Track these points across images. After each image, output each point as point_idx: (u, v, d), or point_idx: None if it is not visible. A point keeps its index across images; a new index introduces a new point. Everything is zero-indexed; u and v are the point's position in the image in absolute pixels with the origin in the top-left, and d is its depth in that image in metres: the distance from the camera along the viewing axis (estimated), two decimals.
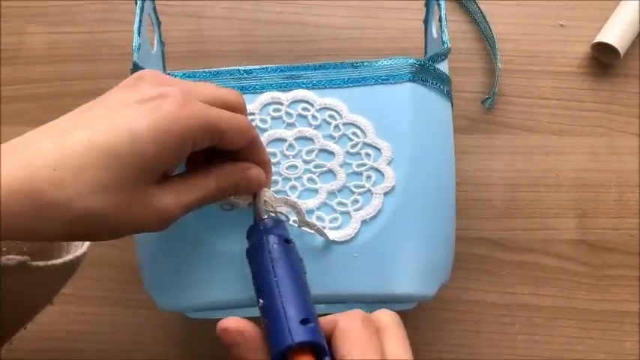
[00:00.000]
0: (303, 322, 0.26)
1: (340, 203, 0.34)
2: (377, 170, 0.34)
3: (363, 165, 0.34)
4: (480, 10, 0.49)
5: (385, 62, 0.34)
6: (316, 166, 0.34)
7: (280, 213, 0.33)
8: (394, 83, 0.35)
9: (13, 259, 0.29)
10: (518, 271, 0.46)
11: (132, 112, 0.26)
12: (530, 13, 0.50)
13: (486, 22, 0.48)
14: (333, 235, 0.33)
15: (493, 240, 0.46)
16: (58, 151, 0.25)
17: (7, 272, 0.29)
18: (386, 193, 0.34)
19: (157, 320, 0.45)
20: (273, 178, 0.34)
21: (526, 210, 0.47)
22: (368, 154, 0.34)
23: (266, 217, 0.31)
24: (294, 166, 0.34)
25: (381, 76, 0.35)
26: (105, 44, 0.50)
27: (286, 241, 0.30)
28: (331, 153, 0.34)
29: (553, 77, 0.49)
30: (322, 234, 0.33)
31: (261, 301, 0.27)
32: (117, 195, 0.25)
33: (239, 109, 0.31)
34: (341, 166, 0.34)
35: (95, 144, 0.25)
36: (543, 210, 0.47)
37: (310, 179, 0.34)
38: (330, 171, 0.34)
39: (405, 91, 0.35)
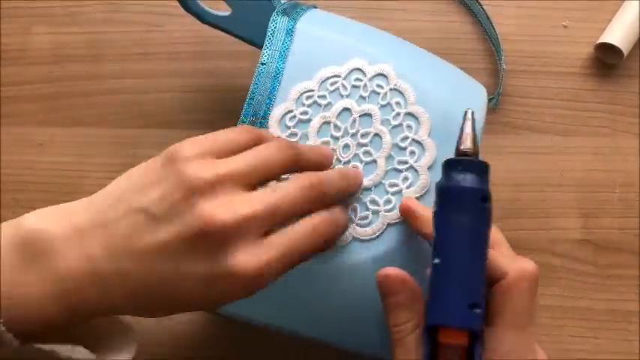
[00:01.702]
0: (472, 306, 0.24)
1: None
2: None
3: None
4: (484, 10, 0.49)
5: None
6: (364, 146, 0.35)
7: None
8: None
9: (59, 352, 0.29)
10: None
11: (203, 289, 0.26)
12: (533, 14, 0.50)
13: (490, 22, 0.49)
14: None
15: None
16: (132, 294, 0.27)
17: None
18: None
19: (163, 321, 0.45)
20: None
21: (531, 210, 0.47)
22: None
23: (471, 148, 0.26)
24: (348, 146, 0.34)
25: None
26: (110, 45, 0.49)
27: (484, 199, 0.25)
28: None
29: (557, 78, 0.49)
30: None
31: (437, 259, 0.25)
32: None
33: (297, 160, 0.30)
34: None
35: (163, 299, 0.27)
36: (548, 210, 0.47)
37: (367, 153, 0.34)
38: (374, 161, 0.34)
39: None
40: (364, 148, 0.34)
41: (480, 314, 0.24)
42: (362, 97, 0.35)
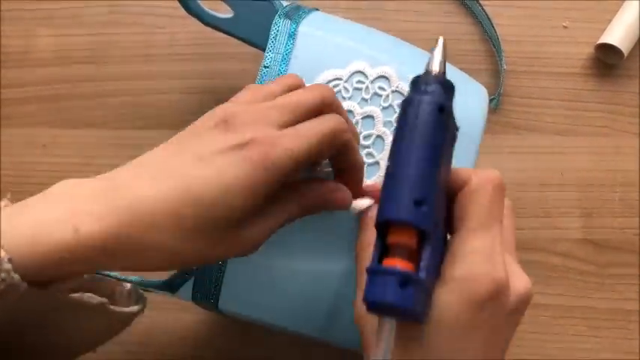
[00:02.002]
0: (418, 202, 0.24)
1: None
2: None
3: None
4: (484, 11, 0.49)
5: None
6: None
7: None
8: None
9: (94, 297, 0.30)
10: (526, 270, 0.45)
11: (222, 162, 0.26)
12: (534, 15, 0.50)
13: (491, 23, 0.49)
14: None
15: None
16: (155, 197, 0.26)
17: (85, 309, 0.29)
18: None
19: (167, 321, 0.45)
20: None
21: (532, 209, 0.47)
22: None
23: (437, 71, 0.27)
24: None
25: None
26: (112, 47, 0.50)
27: (441, 109, 0.26)
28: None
29: (557, 78, 0.49)
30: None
31: (388, 162, 0.26)
32: (207, 239, 0.27)
33: (328, 103, 0.30)
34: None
35: (190, 194, 0.26)
36: (549, 209, 0.47)
37: (369, 155, 0.35)
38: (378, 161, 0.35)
39: None
40: (367, 149, 0.35)
41: (427, 212, 0.24)
42: (364, 100, 0.35)
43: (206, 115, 0.29)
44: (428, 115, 0.25)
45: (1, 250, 0.24)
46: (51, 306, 0.28)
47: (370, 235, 0.28)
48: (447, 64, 0.39)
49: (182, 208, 0.26)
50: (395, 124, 0.34)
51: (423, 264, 0.24)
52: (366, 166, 0.34)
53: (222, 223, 0.27)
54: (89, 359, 0.35)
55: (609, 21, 0.49)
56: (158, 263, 0.27)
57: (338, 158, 0.31)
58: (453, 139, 0.27)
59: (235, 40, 0.40)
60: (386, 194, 0.25)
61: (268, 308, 0.35)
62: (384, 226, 0.25)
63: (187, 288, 0.35)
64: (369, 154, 0.35)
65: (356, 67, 0.35)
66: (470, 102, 0.36)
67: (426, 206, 0.24)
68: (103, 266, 0.27)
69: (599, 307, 0.46)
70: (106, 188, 0.26)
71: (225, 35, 0.40)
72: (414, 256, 0.24)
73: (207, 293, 0.35)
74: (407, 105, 0.26)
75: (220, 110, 0.29)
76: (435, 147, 0.25)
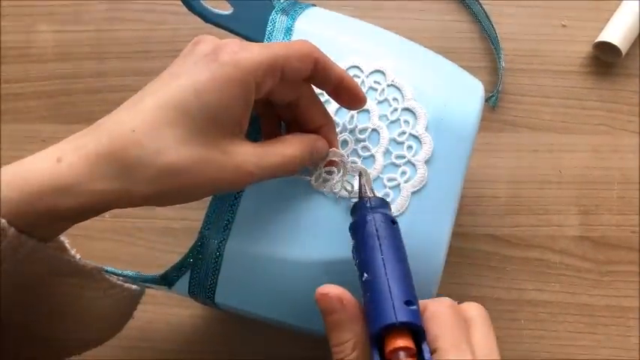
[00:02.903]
0: (407, 303, 0.26)
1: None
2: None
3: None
4: (483, 10, 0.49)
5: None
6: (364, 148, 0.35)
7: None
8: None
9: (89, 263, 0.30)
10: (523, 267, 0.46)
11: (193, 68, 0.28)
12: (532, 14, 0.50)
13: (490, 21, 0.49)
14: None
15: (498, 236, 0.47)
16: (133, 115, 0.27)
17: (83, 277, 0.30)
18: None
19: (165, 317, 0.45)
20: None
21: (530, 207, 0.47)
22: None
23: (372, 195, 0.31)
24: (346, 141, 0.35)
25: None
26: (113, 42, 0.50)
27: (392, 222, 0.29)
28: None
29: (556, 76, 0.49)
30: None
31: (365, 275, 0.27)
32: (193, 147, 0.27)
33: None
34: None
35: (165, 103, 0.27)
36: (547, 207, 0.47)
37: (364, 148, 0.35)
38: (372, 156, 0.35)
39: None
40: (362, 143, 0.35)
41: (417, 310, 0.26)
42: (377, 100, 0.35)
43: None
44: (388, 227, 0.29)
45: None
46: (48, 269, 0.28)
47: (341, 336, 0.27)
48: (444, 58, 0.39)
49: (161, 119, 0.26)
50: (390, 118, 0.34)
51: (427, 357, 0.25)
52: (361, 159, 0.35)
53: (204, 126, 0.27)
54: (88, 356, 0.35)
55: (608, 19, 0.49)
56: (150, 185, 0.26)
57: (320, 78, 0.31)
58: (404, 246, 0.30)
59: (237, 37, 0.40)
60: (375, 304, 0.26)
61: (265, 302, 0.35)
62: (377, 338, 0.26)
63: (184, 282, 0.35)
64: (365, 148, 0.35)
65: (352, 62, 0.36)
66: (465, 96, 0.37)
67: (415, 305, 0.26)
68: (95, 198, 0.26)
69: (597, 304, 0.46)
70: (90, 127, 0.27)
71: (225, 32, 0.40)
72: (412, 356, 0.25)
73: (203, 287, 0.35)
74: (362, 222, 0.29)
75: (195, 39, 0.30)
76: (402, 252, 0.28)
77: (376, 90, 0.35)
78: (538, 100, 0.49)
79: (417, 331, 0.26)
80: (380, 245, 0.28)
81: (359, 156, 0.35)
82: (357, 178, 0.32)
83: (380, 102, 0.35)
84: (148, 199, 0.27)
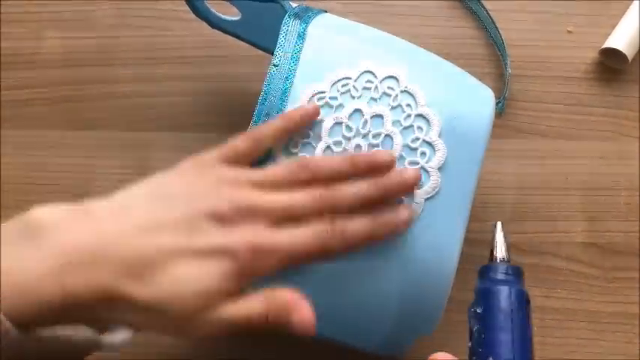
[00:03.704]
0: None
1: None
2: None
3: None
4: (489, 16, 0.49)
5: None
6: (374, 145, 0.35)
7: None
8: None
9: (81, 330, 0.29)
10: (530, 274, 0.46)
11: (198, 270, 0.28)
12: (539, 20, 0.51)
13: (496, 28, 0.49)
14: None
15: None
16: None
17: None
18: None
19: None
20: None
21: (537, 213, 0.47)
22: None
23: (507, 256, 0.29)
24: (359, 146, 0.35)
25: None
26: (119, 49, 0.50)
27: (527, 301, 0.27)
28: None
29: (562, 82, 0.50)
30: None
31: (490, 358, 0.26)
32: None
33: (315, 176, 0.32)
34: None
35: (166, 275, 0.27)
36: (553, 213, 0.47)
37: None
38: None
39: None
40: (375, 148, 0.35)
41: None
42: (373, 99, 0.35)
43: (204, 184, 0.30)
44: (523, 308, 0.27)
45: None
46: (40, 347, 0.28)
47: None
48: (453, 65, 0.39)
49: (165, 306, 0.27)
50: (403, 124, 0.34)
51: None
52: None
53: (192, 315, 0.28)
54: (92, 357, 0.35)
55: (614, 26, 0.50)
56: (134, 316, 0.28)
57: None
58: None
59: (243, 44, 0.40)
60: None
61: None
62: None
63: None
64: None
65: (365, 67, 0.36)
66: (477, 104, 0.37)
67: None
68: (87, 319, 0.27)
69: (603, 310, 0.46)
70: (93, 241, 0.27)
71: (232, 38, 0.40)
72: None
73: None
74: (497, 296, 0.27)
75: (218, 196, 0.30)
76: (531, 339, 0.27)
77: (390, 96, 0.35)
78: (544, 106, 0.49)
79: None
80: (512, 329, 0.26)
81: None
82: (493, 229, 0.31)
83: (393, 108, 0.35)
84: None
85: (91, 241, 0.27)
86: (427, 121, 0.35)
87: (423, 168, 0.34)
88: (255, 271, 0.29)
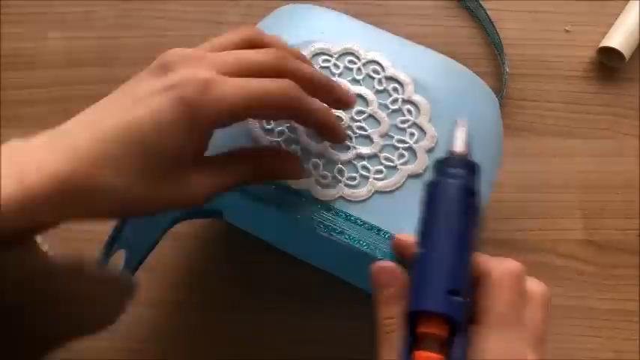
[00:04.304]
0: (452, 292, 0.24)
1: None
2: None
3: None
4: (487, 15, 0.50)
5: None
6: (359, 128, 0.35)
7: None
8: None
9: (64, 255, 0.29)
10: (529, 271, 0.46)
11: (156, 102, 0.27)
12: (536, 19, 0.51)
13: (494, 27, 0.49)
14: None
15: (502, 240, 0.47)
16: (96, 143, 0.26)
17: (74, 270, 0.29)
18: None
19: (174, 320, 0.46)
20: None
21: (535, 211, 0.47)
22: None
23: (461, 151, 0.27)
24: (339, 117, 0.35)
25: None
26: (121, 49, 0.51)
27: (471, 193, 0.26)
28: (377, 121, 0.35)
29: (560, 81, 0.50)
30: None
31: (421, 249, 0.26)
32: (149, 181, 0.27)
33: (283, 69, 0.29)
34: (382, 135, 0.34)
35: (126, 136, 0.26)
36: (552, 211, 0.47)
37: (360, 128, 0.35)
38: (369, 137, 0.35)
39: None
40: (358, 123, 0.35)
41: (461, 303, 0.24)
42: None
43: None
44: (461, 201, 0.25)
45: None
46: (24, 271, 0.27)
47: (390, 310, 0.27)
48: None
49: (120, 148, 0.26)
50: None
51: (454, 356, 0.24)
52: (356, 137, 0.34)
53: (161, 162, 0.27)
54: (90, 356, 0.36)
55: (611, 24, 0.50)
56: (107, 208, 0.27)
57: (299, 121, 0.31)
58: (479, 219, 0.27)
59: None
60: (419, 283, 0.25)
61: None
62: (414, 314, 0.25)
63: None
64: (361, 128, 0.35)
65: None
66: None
67: (460, 297, 0.24)
68: (54, 217, 0.26)
69: (601, 307, 0.46)
70: (49, 139, 0.26)
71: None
72: (443, 345, 0.24)
73: None
74: (435, 188, 0.26)
75: (163, 55, 0.29)
76: (468, 234, 0.25)
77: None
78: (542, 105, 0.49)
79: (457, 323, 0.24)
80: (444, 220, 0.25)
81: (354, 132, 0.34)
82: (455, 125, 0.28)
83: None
84: (103, 218, 0.28)
85: (44, 136, 0.26)
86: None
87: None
88: (204, 109, 0.27)
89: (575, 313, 0.46)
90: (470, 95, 0.37)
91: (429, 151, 0.34)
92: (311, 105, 0.30)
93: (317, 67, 0.35)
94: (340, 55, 0.36)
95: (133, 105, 0.27)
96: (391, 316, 0.27)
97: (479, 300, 0.26)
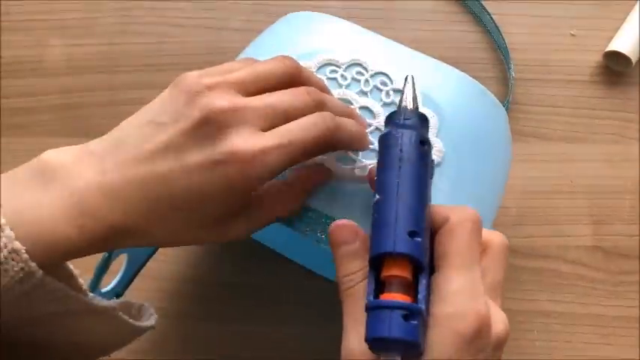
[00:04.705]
0: (412, 234, 0.25)
1: None
2: None
3: None
4: (492, 20, 0.49)
5: None
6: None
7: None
8: None
9: (103, 300, 0.30)
10: (536, 278, 0.46)
11: (203, 177, 0.27)
12: (542, 24, 0.51)
13: (499, 32, 0.49)
14: None
15: (510, 247, 0.46)
16: (147, 203, 0.27)
17: (94, 314, 0.30)
18: (436, 165, 0.33)
19: (178, 330, 0.45)
20: None
21: (542, 217, 0.47)
22: None
23: (411, 107, 0.28)
24: None
25: None
26: (123, 56, 0.50)
27: (422, 143, 0.27)
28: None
29: (566, 86, 0.50)
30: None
31: (377, 196, 0.26)
32: (193, 230, 0.29)
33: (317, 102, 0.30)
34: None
35: (175, 201, 0.27)
36: (559, 217, 0.47)
37: None
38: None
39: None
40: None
41: (421, 243, 0.25)
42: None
43: (184, 100, 0.28)
44: (413, 148, 0.26)
45: (16, 242, 0.25)
46: (61, 304, 0.28)
47: (351, 267, 0.27)
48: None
49: (169, 210, 0.28)
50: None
51: (420, 296, 0.24)
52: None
53: (204, 221, 0.29)
54: None
55: (617, 29, 0.50)
56: (146, 244, 0.29)
57: (338, 146, 0.31)
58: (432, 170, 0.28)
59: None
60: (379, 228, 0.25)
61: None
62: (376, 261, 0.25)
63: None
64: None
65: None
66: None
67: (420, 237, 0.25)
68: (97, 251, 0.28)
69: (610, 314, 0.46)
70: (97, 171, 0.27)
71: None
72: (409, 289, 0.25)
73: None
74: (388, 139, 0.27)
75: (199, 108, 0.28)
76: (422, 179, 0.26)
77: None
78: (548, 109, 0.49)
79: (418, 263, 0.25)
80: (400, 167, 0.26)
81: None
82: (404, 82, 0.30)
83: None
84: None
85: (97, 179, 0.27)
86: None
87: None
88: (262, 171, 0.28)
89: (583, 320, 0.45)
90: (477, 108, 0.36)
91: (436, 165, 0.34)
92: (347, 127, 0.31)
93: (324, 77, 0.35)
94: (348, 66, 0.35)
95: (180, 173, 0.27)
96: (352, 272, 0.27)
97: (437, 247, 0.26)
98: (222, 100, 0.28)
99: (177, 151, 0.27)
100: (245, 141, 0.27)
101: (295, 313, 0.45)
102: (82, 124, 0.49)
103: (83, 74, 0.50)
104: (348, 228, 0.28)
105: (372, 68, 0.35)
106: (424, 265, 0.25)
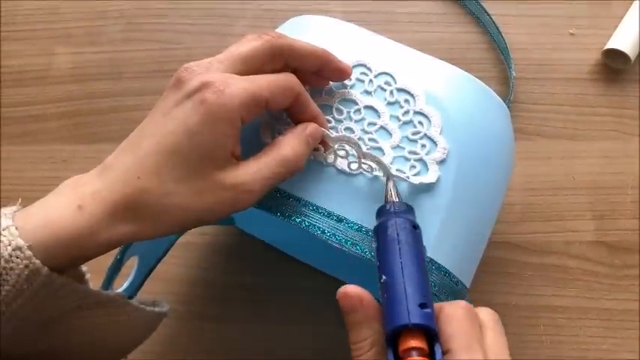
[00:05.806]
0: (422, 306, 0.27)
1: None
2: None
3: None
4: (492, 21, 0.50)
5: None
6: (371, 140, 0.35)
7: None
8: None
9: (111, 291, 0.32)
10: (541, 273, 0.47)
11: (181, 111, 0.29)
12: (541, 23, 0.51)
13: (499, 32, 0.50)
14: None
15: (515, 243, 0.47)
16: (135, 160, 0.29)
17: (105, 306, 0.31)
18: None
19: (187, 331, 0.46)
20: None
21: (545, 213, 0.48)
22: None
23: (397, 200, 0.32)
24: (350, 129, 0.35)
25: None
26: (128, 63, 0.51)
27: (414, 227, 0.30)
28: (388, 133, 0.35)
29: (566, 84, 0.50)
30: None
31: (383, 277, 0.28)
32: (191, 183, 0.29)
33: (278, 53, 0.32)
34: (393, 147, 0.34)
35: (162, 148, 0.29)
36: (562, 213, 0.48)
37: (372, 140, 0.35)
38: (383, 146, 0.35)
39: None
40: (369, 135, 0.34)
41: (431, 313, 0.27)
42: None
43: (174, 83, 0.31)
44: (408, 232, 0.29)
45: (19, 239, 0.26)
46: (77, 304, 0.29)
47: (360, 334, 0.28)
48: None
49: (160, 164, 0.28)
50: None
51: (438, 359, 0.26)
52: (367, 148, 0.34)
53: (198, 164, 0.29)
54: None
55: (616, 27, 0.50)
56: (157, 220, 0.29)
57: (295, 112, 0.32)
58: (425, 250, 0.30)
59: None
60: (392, 304, 0.27)
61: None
62: (392, 337, 0.27)
63: None
64: (372, 140, 0.34)
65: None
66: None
67: (429, 309, 0.27)
68: (111, 241, 0.29)
69: (615, 308, 0.46)
70: (100, 171, 0.29)
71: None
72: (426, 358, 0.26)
73: None
74: (385, 227, 0.30)
75: (178, 71, 0.31)
76: (421, 257, 0.29)
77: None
78: (549, 108, 0.50)
79: (430, 333, 0.27)
80: (399, 249, 0.29)
81: (366, 145, 0.34)
82: (385, 181, 0.33)
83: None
84: (156, 235, 0.29)
85: (125, 191, 0.28)
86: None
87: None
88: (226, 105, 0.29)
89: (589, 315, 0.46)
90: (481, 106, 0.37)
91: (440, 162, 0.34)
92: (310, 100, 0.33)
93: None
94: (352, 67, 0.36)
95: (163, 119, 0.29)
96: (360, 340, 0.28)
97: (441, 334, 0.27)
98: (195, 63, 0.31)
99: (159, 109, 0.30)
100: (214, 75, 0.29)
101: (306, 313, 0.45)
102: (90, 130, 0.49)
103: (88, 82, 0.51)
104: (355, 296, 0.28)
105: (376, 68, 0.36)
106: (437, 332, 0.27)
